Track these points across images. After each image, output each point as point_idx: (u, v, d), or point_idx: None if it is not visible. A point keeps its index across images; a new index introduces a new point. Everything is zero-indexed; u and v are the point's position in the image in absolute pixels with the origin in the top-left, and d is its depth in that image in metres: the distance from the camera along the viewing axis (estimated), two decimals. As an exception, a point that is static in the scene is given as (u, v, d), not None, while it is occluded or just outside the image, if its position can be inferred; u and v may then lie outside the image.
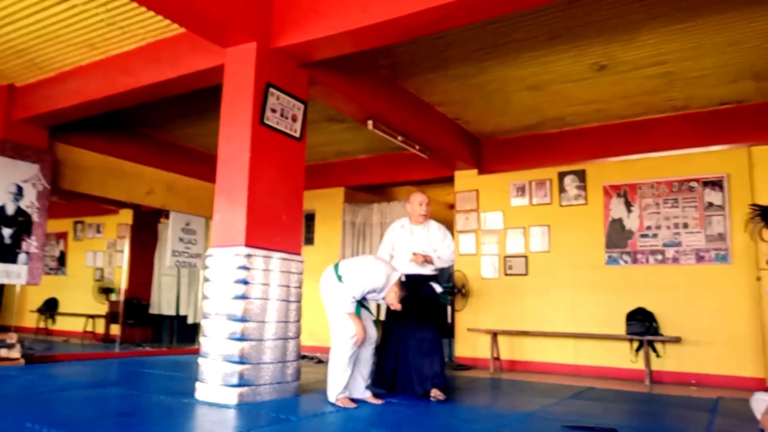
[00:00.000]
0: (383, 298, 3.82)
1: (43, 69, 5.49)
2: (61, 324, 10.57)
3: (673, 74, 5.21)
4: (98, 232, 10.57)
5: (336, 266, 3.91)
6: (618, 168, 6.51)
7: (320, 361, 6.88)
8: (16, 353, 5.47)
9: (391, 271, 3.80)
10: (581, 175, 6.70)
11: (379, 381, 4.27)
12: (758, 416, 3.43)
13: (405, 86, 5.77)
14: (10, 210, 5.81)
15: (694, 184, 6.08)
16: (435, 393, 3.96)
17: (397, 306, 3.74)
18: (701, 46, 4.67)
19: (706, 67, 5.05)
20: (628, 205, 6.39)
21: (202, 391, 3.80)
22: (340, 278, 3.80)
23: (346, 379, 3.73)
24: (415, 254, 4.28)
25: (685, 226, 6.06)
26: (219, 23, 3.88)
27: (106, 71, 5.17)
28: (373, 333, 3.92)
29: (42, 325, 10.68)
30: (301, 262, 4.32)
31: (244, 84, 4.12)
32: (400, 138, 6.00)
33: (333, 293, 3.81)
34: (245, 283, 3.81)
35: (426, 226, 4.49)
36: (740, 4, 4.02)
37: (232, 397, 3.64)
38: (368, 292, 3.75)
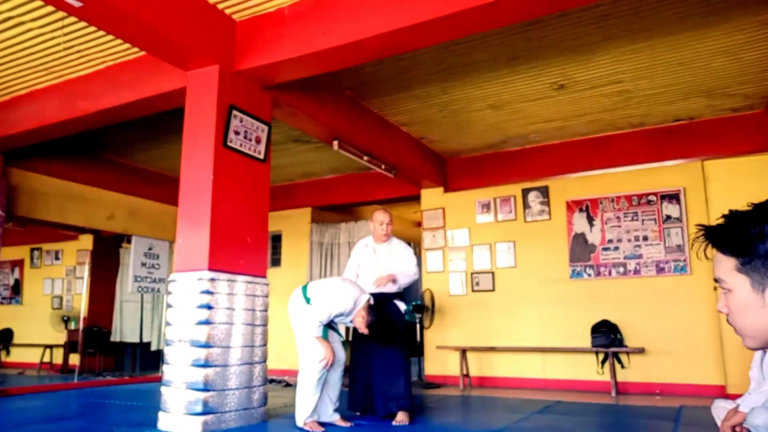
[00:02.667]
0: (351, 322, 3.79)
1: (-4, 93, 5.34)
2: (16, 356, 10.12)
3: (629, 92, 5.38)
4: (57, 258, 10.22)
5: (304, 288, 3.87)
6: (579, 183, 6.66)
7: (288, 385, 6.76)
8: (-33, 388, 5.21)
9: (359, 294, 3.78)
10: (544, 191, 6.83)
11: (351, 404, 4.22)
12: (719, 423, 3.51)
13: (369, 107, 5.81)
14: (-38, 238, 5.58)
15: (652, 197, 6.26)
16: (400, 418, 3.88)
17: (364, 330, 3.72)
18: (653, 66, 4.85)
19: (659, 85, 5.24)
20: (590, 220, 6.53)
21: (164, 421, 3.68)
22: (308, 300, 3.76)
23: (315, 402, 3.68)
24: (379, 278, 4.22)
25: (645, 238, 6.22)
26: (180, 46, 3.85)
27: (64, 95, 5.06)
28: (341, 355, 3.88)
29: (-5, 357, 10.22)
30: (267, 284, 4.26)
31: (207, 107, 4.08)
32: (366, 158, 6.02)
33: (301, 316, 3.77)
34: (209, 308, 3.74)
35: (389, 244, 4.46)
36: (686, 27, 4.20)
37: (196, 426, 3.54)
38: (336, 316, 3.72)
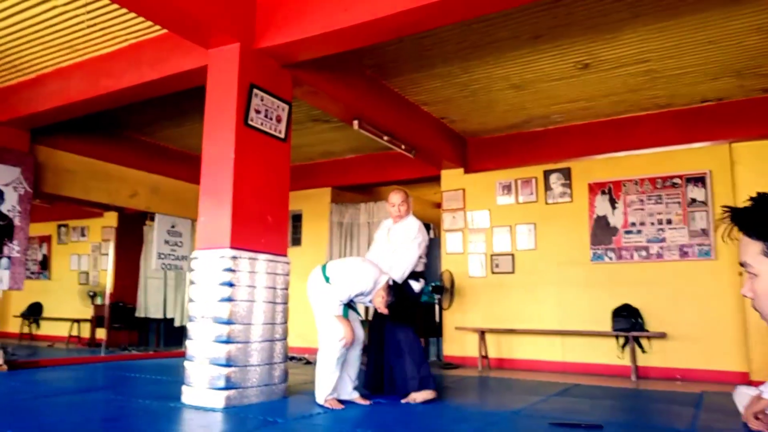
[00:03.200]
0: (371, 302, 3.82)
1: (22, 71, 5.41)
2: (46, 329, 10.43)
3: (656, 72, 5.25)
4: (83, 235, 10.45)
5: (324, 267, 3.90)
6: (603, 165, 6.56)
7: (308, 363, 6.86)
8: (-2, 359, 5.39)
9: (378, 274, 3.80)
10: (566, 173, 6.75)
11: (368, 383, 4.26)
12: (741, 410, 3.48)
13: (390, 86, 5.77)
14: (-9, 214, 5.72)
15: (677, 180, 6.14)
16: (412, 396, 3.89)
17: (383, 310, 3.75)
18: (682, 45, 4.71)
19: (688, 65, 5.10)
20: (613, 202, 6.44)
21: (188, 395, 3.77)
22: (327, 279, 3.79)
23: (334, 380, 3.72)
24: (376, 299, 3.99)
25: (669, 222, 6.12)
26: (201, 24, 3.85)
27: (87, 73, 5.11)
28: (360, 334, 3.92)
29: (26, 330, 10.53)
30: (288, 263, 4.30)
31: (228, 85, 4.09)
32: (385, 138, 6.00)
33: (320, 295, 3.80)
34: (231, 285, 3.79)
35: (403, 224, 4.41)
36: (717, 4, 4.07)
37: (218, 400, 3.62)
38: (356, 296, 3.75)
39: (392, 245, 4.34)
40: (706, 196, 5.97)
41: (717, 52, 4.84)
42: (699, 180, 6.03)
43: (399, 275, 4.14)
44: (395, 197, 4.43)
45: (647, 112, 6.29)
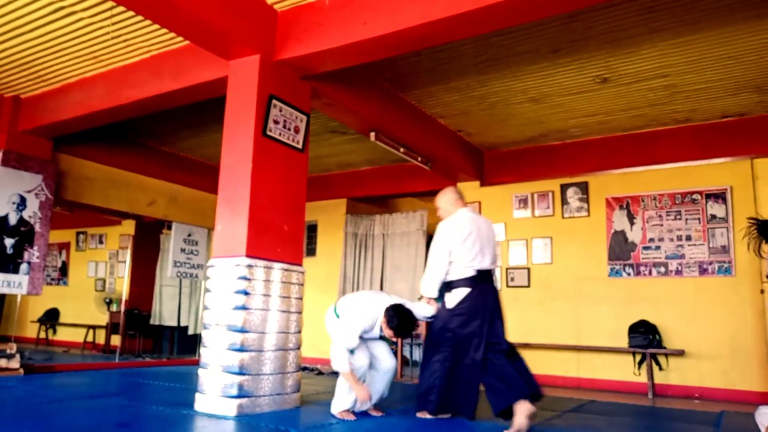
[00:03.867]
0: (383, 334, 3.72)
1: (47, 81, 5.53)
2: (62, 334, 10.55)
3: (675, 87, 5.22)
4: (100, 242, 10.59)
5: (336, 306, 3.88)
6: (621, 180, 6.51)
7: (320, 373, 6.84)
8: (15, 363, 5.45)
9: (379, 309, 3.64)
10: (584, 187, 6.70)
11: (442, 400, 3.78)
12: (762, 430, 3.40)
13: (407, 98, 5.80)
14: (13, 220, 5.82)
15: (697, 196, 6.07)
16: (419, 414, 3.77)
17: (394, 339, 3.67)
18: (702, 59, 4.68)
19: (708, 80, 5.06)
20: (631, 218, 6.38)
21: (201, 403, 3.78)
22: (338, 315, 3.76)
23: (352, 400, 3.69)
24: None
25: (689, 238, 6.04)
26: (223, 36, 3.91)
27: (110, 83, 5.21)
28: (389, 364, 3.81)
29: (42, 335, 10.66)
30: (303, 272, 4.31)
31: (247, 96, 4.15)
32: (402, 150, 6.02)
33: (334, 331, 3.73)
34: (246, 293, 3.80)
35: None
36: (738, 19, 4.04)
37: (231, 408, 3.62)
38: (363, 333, 3.64)
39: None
40: (726, 213, 5.89)
41: (738, 68, 4.80)
42: (719, 196, 5.95)
43: (423, 289, 3.84)
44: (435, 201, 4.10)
45: (666, 127, 6.24)
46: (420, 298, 3.96)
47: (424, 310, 3.86)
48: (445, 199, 4.02)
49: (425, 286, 3.81)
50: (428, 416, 3.73)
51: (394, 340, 3.55)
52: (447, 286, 3.78)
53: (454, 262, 3.71)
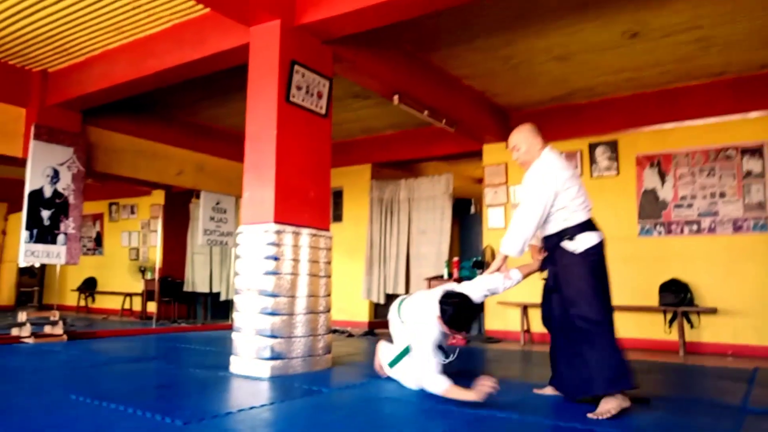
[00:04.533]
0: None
1: (72, 54, 5.59)
2: (100, 302, 10.94)
3: (709, 39, 5.01)
4: (132, 212, 10.83)
5: (401, 302, 3.62)
6: (651, 138, 6.35)
7: (350, 335, 6.97)
8: (59, 330, 5.69)
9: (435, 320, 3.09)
10: (613, 146, 6.56)
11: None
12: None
13: (430, 60, 5.70)
14: (48, 193, 5.98)
15: (731, 152, 5.89)
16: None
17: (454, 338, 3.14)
18: (737, 10, 4.47)
19: (743, 31, 4.84)
20: (662, 176, 6.24)
21: (236, 365, 3.90)
22: (401, 319, 3.49)
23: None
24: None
25: (722, 195, 5.89)
26: (242, 2, 3.88)
27: (133, 54, 5.24)
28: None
29: (82, 303, 11.08)
30: (330, 237, 4.35)
31: (269, 62, 4.13)
32: (426, 113, 5.95)
33: (401, 339, 3.41)
34: (275, 259, 3.87)
35: (528, 173, 3.22)
36: (781, -40, 3.84)
37: (265, 370, 3.73)
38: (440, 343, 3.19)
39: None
40: (763, 168, 5.72)
41: (777, 15, 4.58)
42: (756, 151, 5.77)
43: (506, 246, 3.13)
44: (509, 140, 3.27)
45: (699, 81, 6.02)
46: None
47: (490, 283, 3.30)
48: (526, 137, 3.17)
49: (510, 243, 3.08)
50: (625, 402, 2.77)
51: (455, 340, 2.97)
52: (558, 236, 3.05)
53: (565, 208, 3.01)
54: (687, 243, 6.04)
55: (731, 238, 5.81)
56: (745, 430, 2.56)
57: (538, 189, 3.01)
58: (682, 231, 6.08)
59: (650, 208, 6.27)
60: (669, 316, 5.97)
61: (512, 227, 3.08)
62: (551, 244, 3.14)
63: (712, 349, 5.78)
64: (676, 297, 5.81)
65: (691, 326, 5.88)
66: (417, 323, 3.17)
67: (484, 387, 2.70)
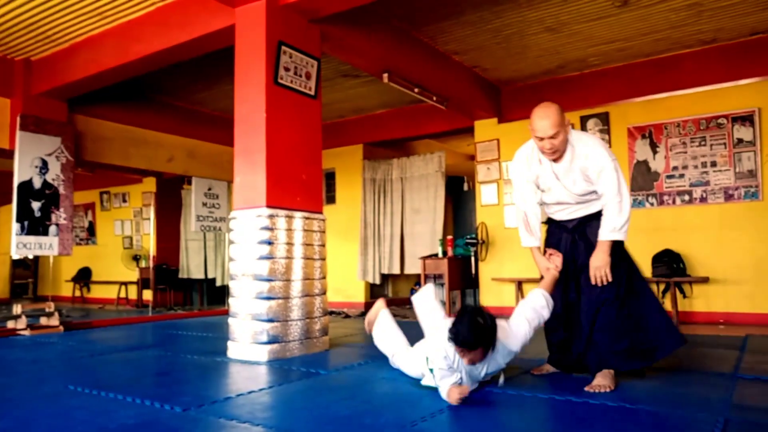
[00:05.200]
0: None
1: (56, 41, 5.48)
2: (96, 292, 10.92)
3: (701, 4, 4.96)
4: (124, 201, 10.76)
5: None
6: (642, 108, 6.33)
7: (347, 316, 7.00)
8: (55, 321, 5.68)
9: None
10: (604, 118, 6.54)
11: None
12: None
13: (419, 36, 5.63)
14: (37, 184, 5.92)
15: (722, 120, 5.88)
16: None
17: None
18: (729, -26, 4.43)
19: (735, -5, 4.80)
20: (654, 146, 6.23)
21: (233, 350, 3.91)
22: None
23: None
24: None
25: (714, 164, 5.90)
26: (225, -19, 3.81)
27: (118, 39, 5.15)
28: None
29: (77, 293, 11.05)
30: (324, 220, 4.34)
31: (256, 44, 4.07)
32: (416, 90, 5.90)
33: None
34: (269, 243, 3.86)
35: (577, 154, 2.86)
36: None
37: (262, 353, 3.74)
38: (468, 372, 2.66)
39: (571, 195, 2.93)
40: (754, 136, 5.72)
41: (767, -20, 4.54)
42: (746, 119, 5.76)
43: (623, 230, 2.83)
44: (542, 125, 2.79)
45: (690, 49, 5.99)
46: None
47: (539, 311, 2.80)
48: (562, 121, 2.82)
49: (626, 225, 2.82)
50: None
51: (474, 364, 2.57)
52: (596, 216, 2.96)
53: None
54: (679, 213, 6.06)
55: (723, 207, 5.83)
56: (736, 396, 2.60)
57: (618, 169, 2.81)
58: (674, 201, 6.09)
59: (642, 179, 6.27)
60: (662, 287, 6.01)
61: (625, 215, 2.80)
62: (582, 223, 3.00)
63: (704, 318, 5.84)
64: (669, 268, 5.85)
65: (684, 296, 5.93)
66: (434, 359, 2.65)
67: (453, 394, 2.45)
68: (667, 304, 5.90)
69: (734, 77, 5.80)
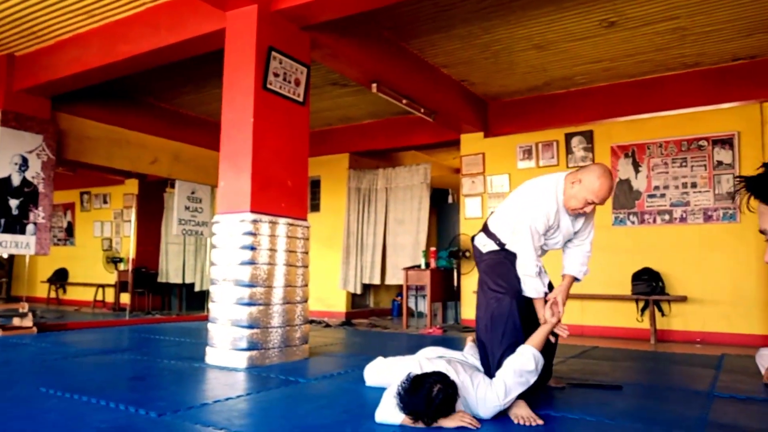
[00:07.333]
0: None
1: (41, 38, 5.41)
2: (72, 294, 10.71)
3: (685, 29, 5.08)
4: (105, 202, 10.60)
5: None
6: (626, 128, 6.42)
7: (328, 325, 6.95)
8: (28, 322, 5.56)
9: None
10: (588, 136, 6.62)
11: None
12: (762, 371, 3.46)
13: (409, 48, 5.67)
14: (16, 181, 5.82)
15: (703, 142, 5.99)
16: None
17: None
18: (712, 0, 4.54)
19: (719, 21, 4.91)
20: (636, 166, 6.32)
21: (212, 356, 3.86)
22: None
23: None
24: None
25: (694, 185, 6.00)
26: (217, -15, 3.80)
27: (105, 38, 5.10)
28: None
29: (53, 295, 10.83)
30: (308, 227, 4.32)
31: (246, 48, 4.06)
32: (404, 101, 5.93)
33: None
34: (252, 248, 3.82)
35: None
36: (754, -47, 3.89)
37: (241, 360, 3.70)
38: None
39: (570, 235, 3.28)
40: (733, 159, 5.83)
41: (750, 7, 4.65)
42: (726, 142, 5.88)
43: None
44: (606, 195, 2.81)
45: (673, 72, 6.11)
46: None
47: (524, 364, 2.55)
48: None
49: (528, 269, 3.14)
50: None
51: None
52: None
53: None
54: (659, 232, 6.14)
55: (702, 227, 5.93)
56: (712, 414, 2.62)
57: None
58: (654, 221, 6.18)
59: (624, 198, 6.36)
60: (641, 305, 6.08)
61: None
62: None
63: (681, 336, 5.91)
64: (648, 286, 5.92)
65: (662, 314, 6.00)
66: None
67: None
68: (646, 322, 5.96)
69: (715, 101, 5.92)
